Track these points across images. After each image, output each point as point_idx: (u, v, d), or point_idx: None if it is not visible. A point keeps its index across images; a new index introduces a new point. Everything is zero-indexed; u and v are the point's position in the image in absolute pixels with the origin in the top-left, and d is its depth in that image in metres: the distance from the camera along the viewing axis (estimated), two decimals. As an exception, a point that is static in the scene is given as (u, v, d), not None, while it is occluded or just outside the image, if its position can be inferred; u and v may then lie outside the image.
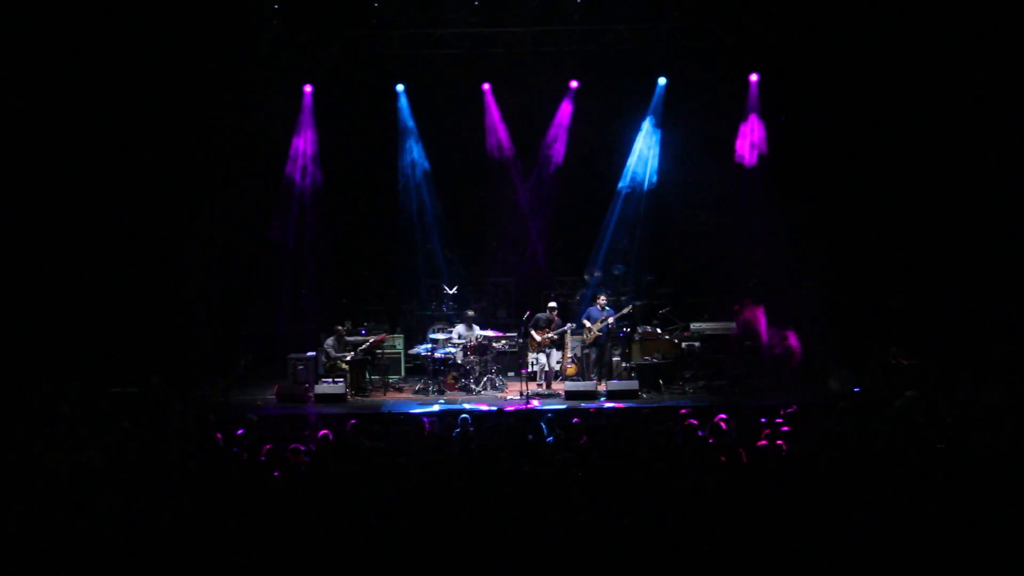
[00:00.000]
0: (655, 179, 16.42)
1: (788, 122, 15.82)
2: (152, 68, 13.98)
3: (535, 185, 16.63)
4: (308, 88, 16.06)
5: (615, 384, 13.05)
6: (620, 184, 16.61)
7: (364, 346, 13.94)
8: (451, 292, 15.31)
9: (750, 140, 16.10)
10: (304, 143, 16.13)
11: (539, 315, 13.94)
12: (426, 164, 16.47)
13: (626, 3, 14.68)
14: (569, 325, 14.00)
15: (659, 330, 14.29)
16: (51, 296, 13.81)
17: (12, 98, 13.23)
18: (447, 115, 16.32)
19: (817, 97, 15.01)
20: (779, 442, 7.74)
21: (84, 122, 13.78)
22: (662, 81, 16.16)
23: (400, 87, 16.28)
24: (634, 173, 16.59)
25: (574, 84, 16.25)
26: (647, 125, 16.39)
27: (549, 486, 6.37)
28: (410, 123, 16.40)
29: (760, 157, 15.85)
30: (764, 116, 15.97)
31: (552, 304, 14.07)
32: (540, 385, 13.69)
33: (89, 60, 13.51)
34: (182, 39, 13.90)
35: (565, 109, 16.34)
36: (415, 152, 16.46)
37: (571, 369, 14.05)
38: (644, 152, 16.51)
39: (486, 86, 16.27)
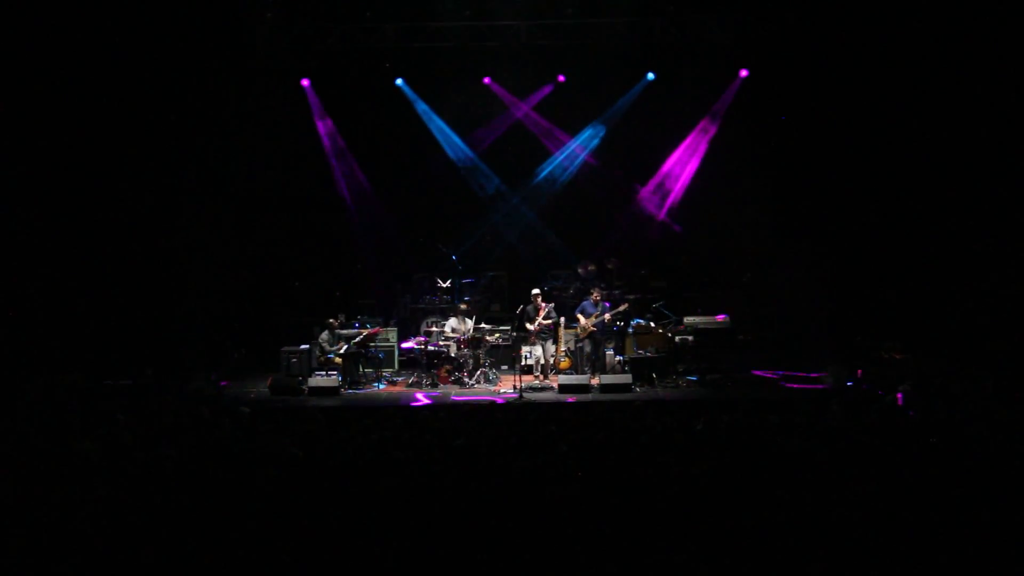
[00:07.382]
0: (566, 178, 16.59)
1: (778, 117, 15.86)
2: (145, 60, 13.96)
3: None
4: (306, 82, 16.04)
5: (608, 378, 13.05)
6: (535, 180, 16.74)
7: (357, 339, 13.91)
8: (445, 285, 15.29)
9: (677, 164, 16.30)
10: (325, 135, 16.30)
11: (527, 308, 13.94)
12: (468, 150, 16.52)
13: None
14: (550, 305, 14.01)
15: (652, 324, 14.31)
16: (46, 289, 13.77)
17: (9, 97, 13.22)
18: (447, 107, 16.40)
19: (809, 91, 15.04)
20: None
21: (80, 120, 13.77)
22: (650, 76, 16.18)
23: (399, 81, 16.27)
24: (551, 170, 16.65)
25: (561, 78, 16.30)
26: (596, 122, 16.47)
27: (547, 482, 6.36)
28: (433, 115, 16.41)
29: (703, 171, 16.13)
30: (716, 132, 16.12)
31: (534, 292, 14.07)
32: (537, 378, 13.70)
33: (85, 61, 13.53)
34: (172, 33, 13.87)
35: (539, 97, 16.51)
36: (454, 139, 16.53)
37: (565, 363, 14.06)
38: (578, 148, 16.59)
39: (487, 79, 16.26)
